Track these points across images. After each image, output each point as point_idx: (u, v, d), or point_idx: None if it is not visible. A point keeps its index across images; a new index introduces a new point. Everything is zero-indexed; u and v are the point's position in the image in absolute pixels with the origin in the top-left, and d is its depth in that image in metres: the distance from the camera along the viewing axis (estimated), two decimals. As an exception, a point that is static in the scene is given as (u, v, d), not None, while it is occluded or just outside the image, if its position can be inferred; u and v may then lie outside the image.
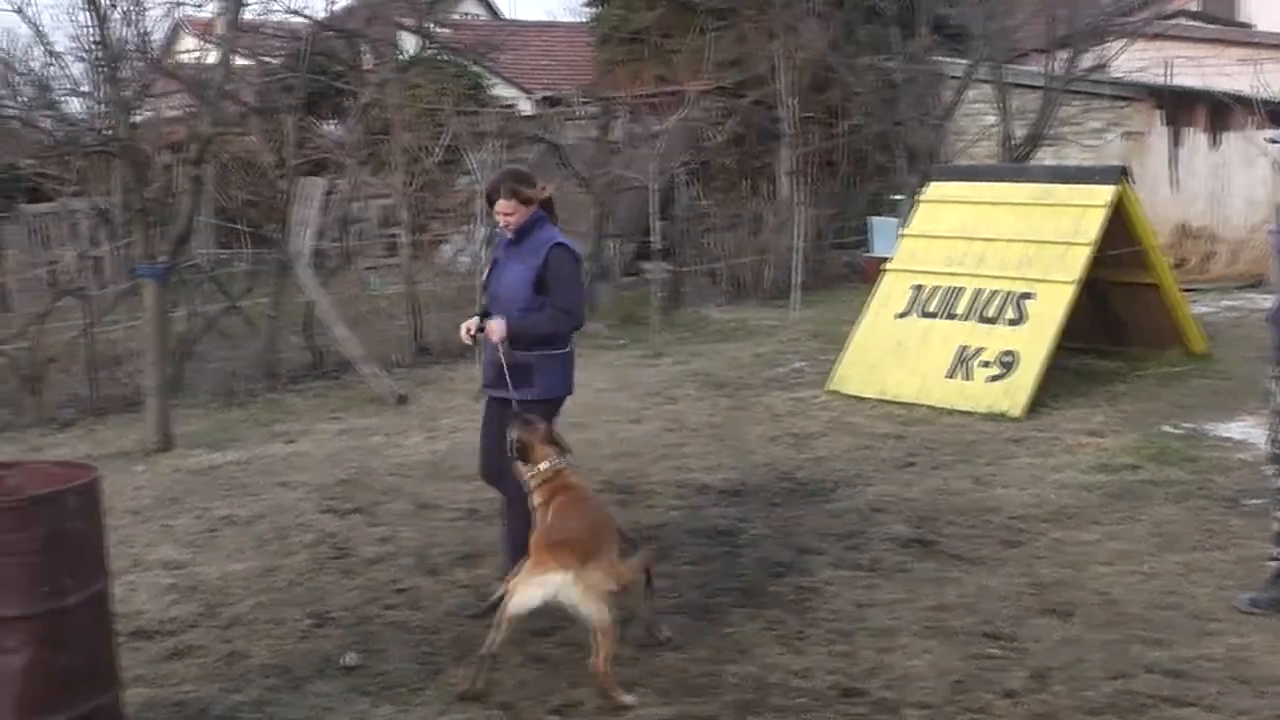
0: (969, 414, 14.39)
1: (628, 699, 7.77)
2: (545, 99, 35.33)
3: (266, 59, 22.49)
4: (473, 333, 9.38)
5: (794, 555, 10.19)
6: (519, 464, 8.80)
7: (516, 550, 8.85)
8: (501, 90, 35.48)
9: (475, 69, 31.93)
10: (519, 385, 9.15)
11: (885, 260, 17.48)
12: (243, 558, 10.83)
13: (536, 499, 8.69)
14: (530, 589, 7.82)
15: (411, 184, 21.05)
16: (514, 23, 43.78)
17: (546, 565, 7.85)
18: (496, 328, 9.12)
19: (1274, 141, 10.01)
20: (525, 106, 35.17)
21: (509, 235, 9.38)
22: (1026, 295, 15.18)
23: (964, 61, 25.63)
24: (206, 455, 14.23)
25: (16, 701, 6.61)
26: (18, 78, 17.55)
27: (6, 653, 6.58)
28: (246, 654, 8.83)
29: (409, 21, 23.11)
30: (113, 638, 7.28)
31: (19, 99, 18.26)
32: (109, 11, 14.70)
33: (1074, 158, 24.65)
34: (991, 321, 15.26)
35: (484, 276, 9.70)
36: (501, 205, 9.30)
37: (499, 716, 7.68)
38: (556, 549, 7.92)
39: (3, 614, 6.57)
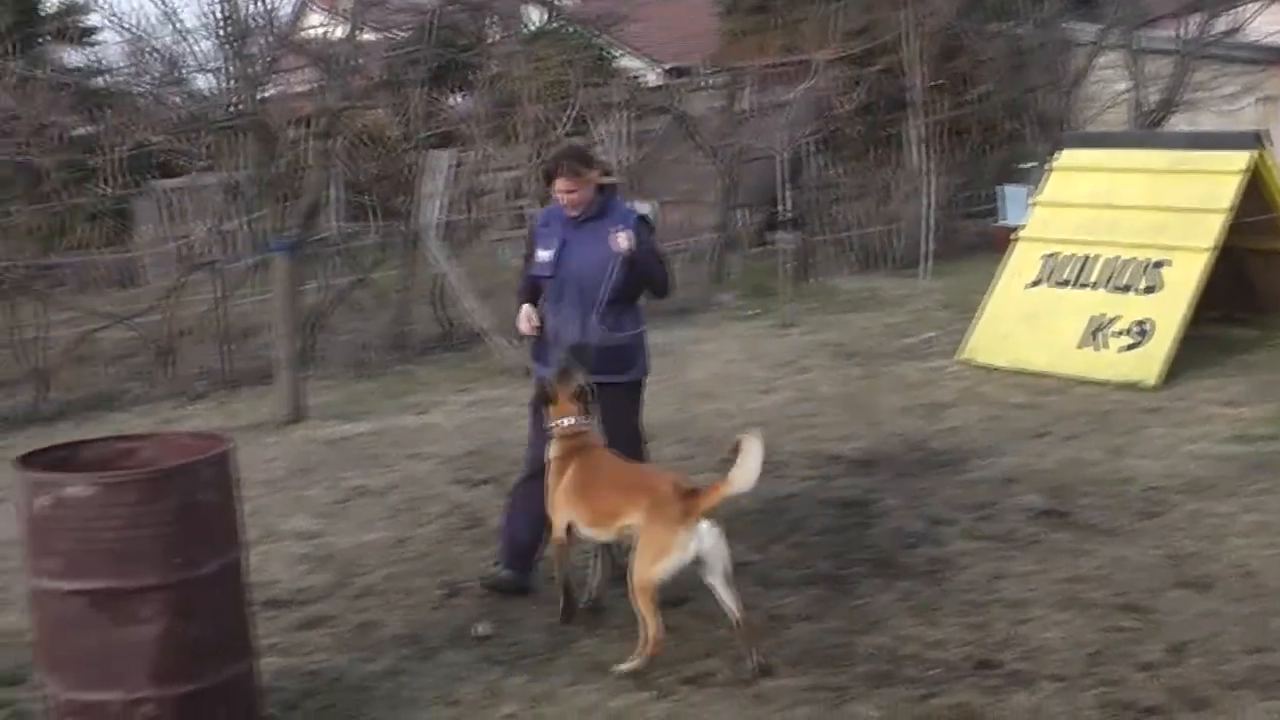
0: (1103, 384, 14.21)
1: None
2: (671, 69, 35.23)
3: (393, 33, 22.57)
4: (535, 323, 9.24)
5: (926, 526, 10.13)
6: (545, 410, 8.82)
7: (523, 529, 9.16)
8: (627, 61, 35.42)
9: (601, 40, 31.92)
10: (622, 369, 9.13)
11: (1016, 229, 17.29)
12: (375, 528, 10.90)
13: (554, 451, 8.70)
14: (678, 550, 7.80)
15: (539, 156, 21.04)
16: (640, -6, 43.68)
17: (682, 519, 7.80)
18: (626, 236, 8.92)
19: None
20: (651, 77, 35.08)
21: (572, 214, 9.14)
22: (1161, 263, 14.97)
23: (1094, 27, 25.36)
24: (338, 427, 14.33)
25: (152, 670, 6.67)
26: (147, 55, 17.69)
27: (141, 622, 6.64)
28: (379, 624, 8.89)
29: (534, -7, 23.16)
30: (246, 608, 7.33)
31: (149, 76, 18.42)
32: (237, -13, 14.80)
33: (1208, 124, 24.29)
34: (1125, 290, 15.07)
35: (547, 258, 9.24)
36: (564, 183, 9.06)
37: (631, 686, 7.67)
38: (676, 499, 7.88)
39: (137, 584, 6.62)
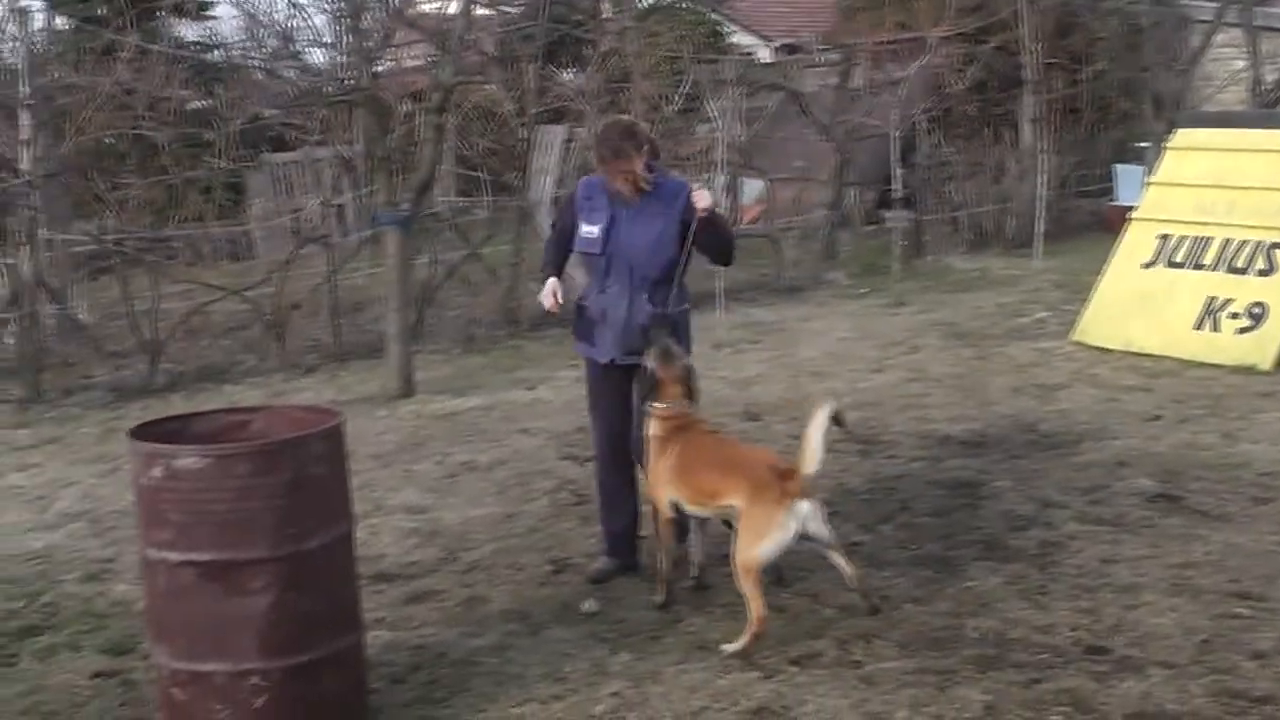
0: (1217, 367, 14.05)
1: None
2: (784, 46, 35.15)
3: (506, 8, 22.63)
4: (560, 299, 8.96)
5: (1037, 508, 10.05)
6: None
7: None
8: (740, 38, 35.38)
9: (714, 16, 31.89)
10: None
11: (1130, 209, 17.14)
12: (483, 503, 10.93)
13: (655, 430, 8.64)
14: (779, 531, 7.86)
15: (651, 132, 21.04)
16: (753, -30, 43.61)
17: (780, 500, 7.87)
18: (706, 195, 8.76)
19: None
20: (764, 54, 35.02)
21: (623, 190, 8.78)
22: (1277, 245, 14.79)
23: (1212, 4, 25.06)
24: (448, 401, 14.38)
25: (260, 642, 6.70)
26: (262, 30, 17.82)
27: (251, 594, 6.67)
28: (486, 599, 8.91)
29: (648, -31, 23.16)
30: (355, 581, 7.36)
31: (263, 50, 18.56)
32: (351, -38, 14.87)
33: (1327, 104, 23.99)
34: (1241, 272, 14.88)
35: (595, 234, 8.87)
36: (624, 165, 8.68)
37: (738, 666, 7.66)
38: (774, 480, 7.94)
39: (248, 556, 6.66)
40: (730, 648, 7.82)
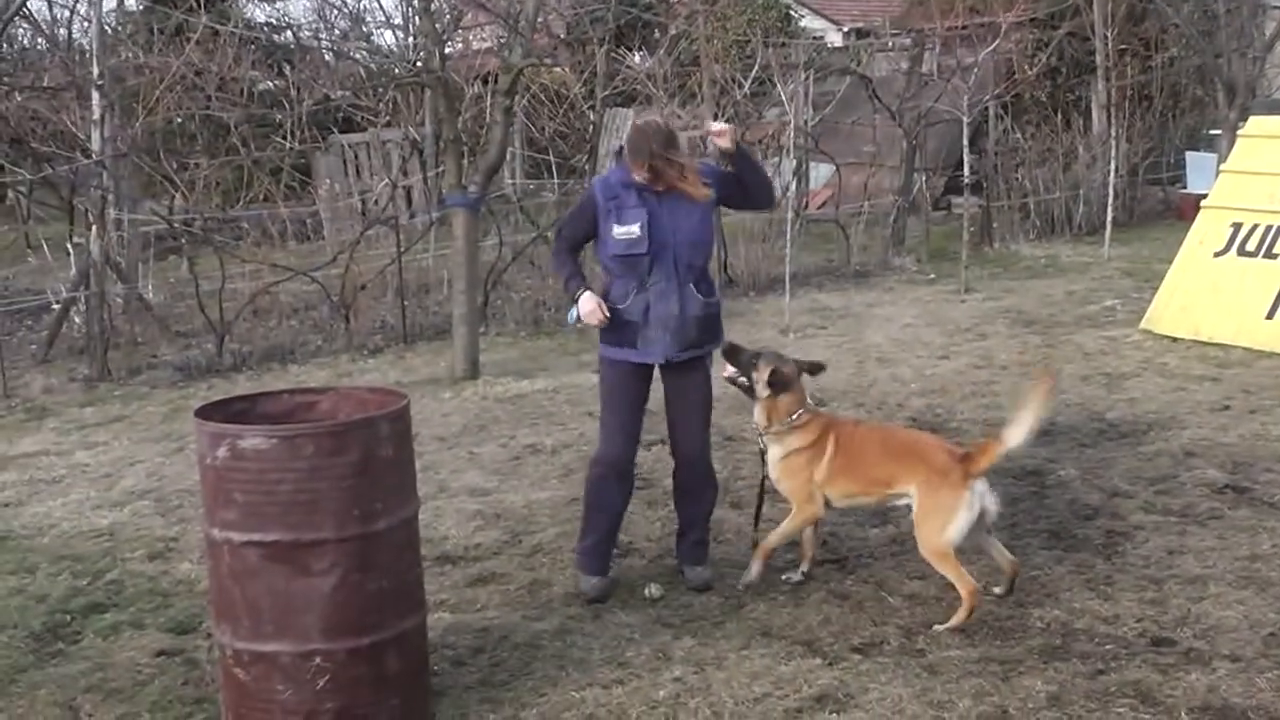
0: (1288, 357, 13.99)
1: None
2: (854, 30, 35.07)
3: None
4: (606, 314, 8.54)
5: (1103, 498, 9.99)
6: (769, 401, 8.58)
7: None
8: (810, 21, 35.31)
9: (784, 0, 31.82)
10: (714, 339, 8.70)
11: (1202, 197, 17.02)
12: (547, 486, 10.93)
13: (797, 443, 8.52)
14: (965, 511, 7.97)
15: (720, 115, 21.01)
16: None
17: (963, 482, 7.99)
18: (724, 128, 8.45)
19: None
20: (834, 38, 34.95)
21: (658, 187, 8.35)
22: (1351, 235, 14.69)
23: (1288, -9, 24.91)
24: (513, 384, 14.38)
25: (324, 624, 6.70)
26: (332, 11, 17.87)
27: (315, 575, 6.67)
28: (549, 582, 8.91)
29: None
30: (419, 563, 7.36)
31: (334, 32, 18.61)
32: (422, -56, 14.87)
33: (1402, 92, 23.79)
34: (1314, 262, 14.80)
35: (637, 233, 8.39)
36: (676, 166, 8.27)
37: (800, 653, 7.64)
38: (953, 464, 8.05)
39: (313, 537, 6.65)
40: (944, 626, 7.91)
